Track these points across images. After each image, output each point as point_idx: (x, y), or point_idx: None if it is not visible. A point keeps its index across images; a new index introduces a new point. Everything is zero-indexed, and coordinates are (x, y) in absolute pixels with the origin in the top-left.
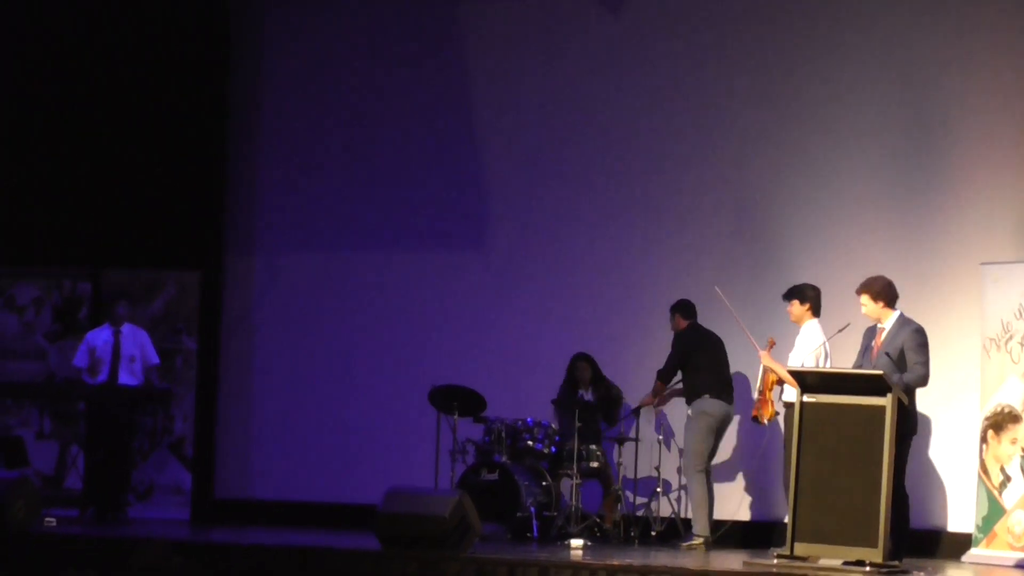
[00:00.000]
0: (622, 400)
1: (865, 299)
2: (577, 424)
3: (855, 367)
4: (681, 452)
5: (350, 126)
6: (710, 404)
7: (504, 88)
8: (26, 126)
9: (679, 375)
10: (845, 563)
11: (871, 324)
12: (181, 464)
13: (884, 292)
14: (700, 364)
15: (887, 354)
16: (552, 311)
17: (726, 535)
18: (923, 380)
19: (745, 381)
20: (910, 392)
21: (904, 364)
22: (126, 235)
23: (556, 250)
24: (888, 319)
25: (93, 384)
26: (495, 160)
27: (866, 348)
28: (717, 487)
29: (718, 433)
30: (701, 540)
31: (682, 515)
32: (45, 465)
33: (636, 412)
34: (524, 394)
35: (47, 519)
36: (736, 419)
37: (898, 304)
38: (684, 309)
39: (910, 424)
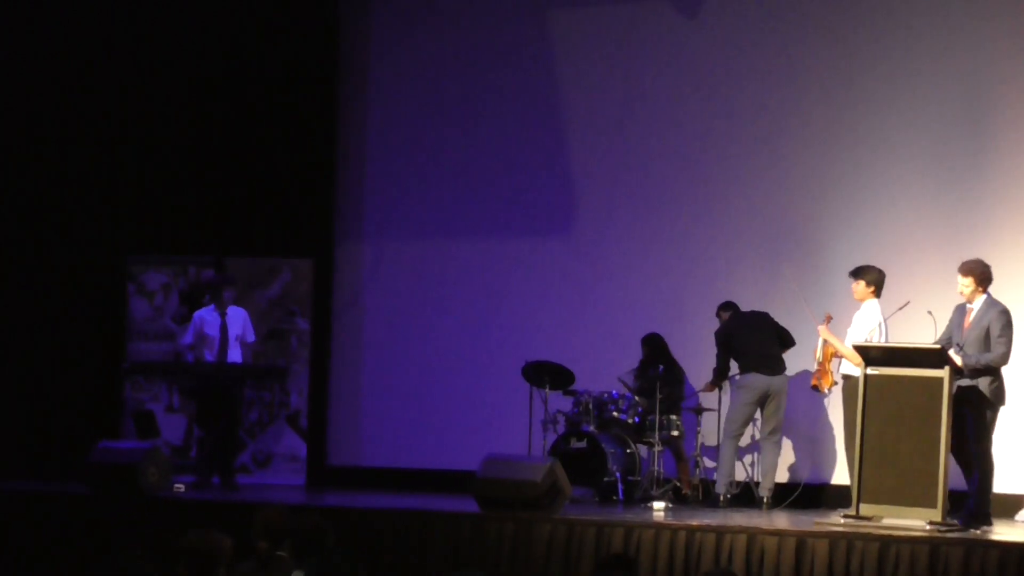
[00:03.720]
0: (683, 381)
1: (968, 281)
2: (658, 396)
3: (943, 340)
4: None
5: (450, 122)
6: (748, 379)
7: (589, 85)
8: (155, 126)
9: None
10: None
11: (960, 303)
12: (297, 434)
13: (984, 275)
14: (739, 347)
15: (976, 331)
16: (633, 293)
17: (788, 497)
18: (1004, 358)
19: (808, 353)
20: (992, 370)
21: (989, 342)
22: (246, 225)
23: (636, 236)
24: (978, 300)
25: (212, 362)
26: (580, 155)
27: (958, 325)
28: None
29: (762, 402)
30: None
31: (755, 479)
32: (174, 436)
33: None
34: (609, 368)
35: (176, 485)
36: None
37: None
38: (723, 307)
39: (1001, 396)
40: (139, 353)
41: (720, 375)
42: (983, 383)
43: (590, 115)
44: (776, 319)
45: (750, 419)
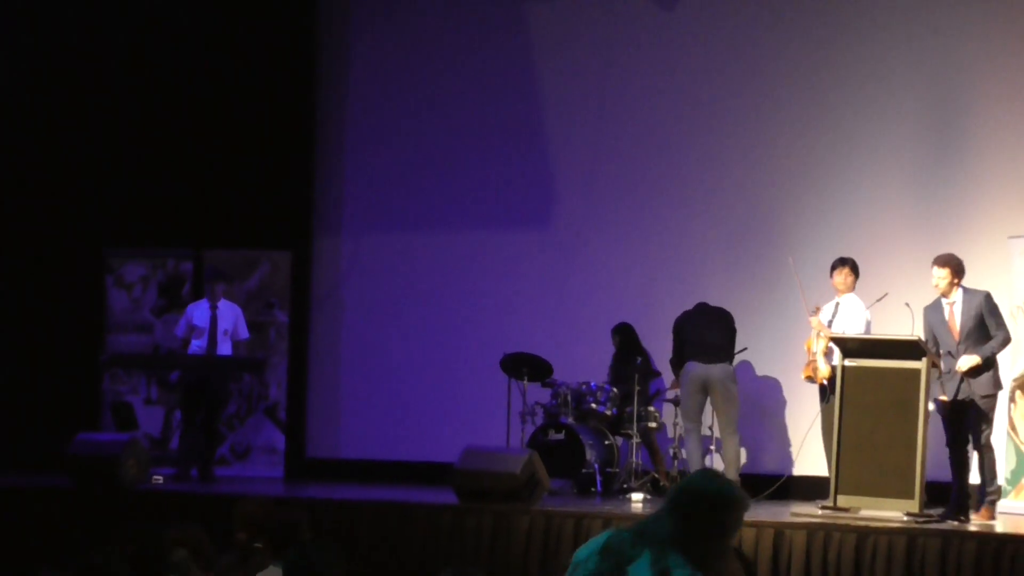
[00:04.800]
0: (652, 371)
1: (945, 273)
2: (636, 388)
3: (928, 344)
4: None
5: (429, 114)
6: (686, 367)
7: (567, 76)
8: (133, 117)
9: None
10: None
11: (929, 303)
12: (275, 426)
13: (959, 267)
14: (683, 336)
15: (971, 323)
16: (612, 284)
17: (767, 488)
18: (1008, 340)
19: (791, 346)
20: (992, 360)
21: (984, 330)
22: (225, 217)
23: (613, 228)
24: (955, 293)
25: (191, 354)
26: (558, 147)
27: (940, 324)
28: (758, 443)
29: (705, 392)
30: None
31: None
32: (153, 428)
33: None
34: (586, 360)
35: (155, 477)
36: (780, 379)
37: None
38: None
39: (999, 382)
40: (118, 345)
41: (673, 365)
42: (984, 380)
43: (568, 106)
44: (750, 310)
45: (699, 408)
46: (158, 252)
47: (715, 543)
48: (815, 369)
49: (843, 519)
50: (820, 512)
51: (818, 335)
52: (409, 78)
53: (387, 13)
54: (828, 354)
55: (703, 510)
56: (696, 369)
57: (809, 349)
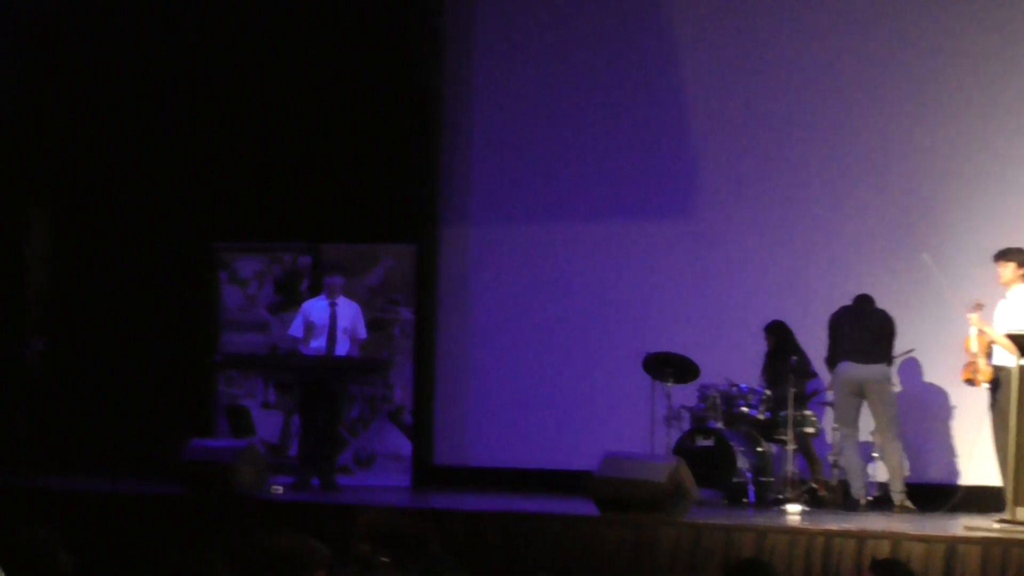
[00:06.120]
0: (809, 372)
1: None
2: (792, 390)
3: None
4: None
5: (563, 95)
6: (838, 368)
7: (712, 55)
8: (248, 105)
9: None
10: None
11: None
12: (401, 432)
13: None
14: (836, 335)
15: None
16: (761, 277)
17: (936, 499)
18: None
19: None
20: None
21: None
22: (343, 209)
23: (762, 216)
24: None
25: (309, 354)
26: (702, 131)
27: None
28: (923, 451)
29: (860, 394)
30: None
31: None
32: (270, 434)
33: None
34: (736, 360)
35: (273, 487)
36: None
37: None
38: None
39: None
40: (232, 345)
41: (829, 365)
42: None
43: (712, 88)
44: (909, 308)
45: (854, 412)
46: (274, 246)
47: None
48: (976, 371)
49: (1022, 534)
50: (996, 526)
51: (980, 333)
52: (541, 57)
53: None
54: (989, 354)
55: None
56: (849, 370)
57: (968, 349)
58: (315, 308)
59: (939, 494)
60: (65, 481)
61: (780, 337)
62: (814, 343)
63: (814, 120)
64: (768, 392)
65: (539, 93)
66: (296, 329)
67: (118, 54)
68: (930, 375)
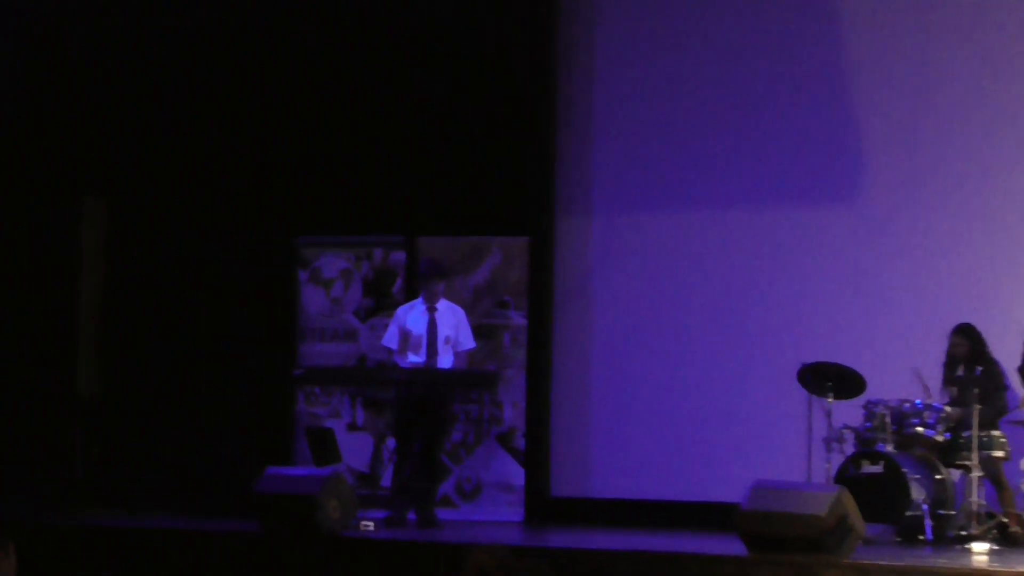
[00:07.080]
0: (1006, 387)
1: None
2: (977, 406)
3: None
4: None
5: (698, 66)
6: None
7: (878, 17)
8: (332, 80)
9: None
10: None
11: None
12: (511, 457)
13: None
14: None
15: None
16: (936, 274)
17: None
18: None
19: None
20: None
21: None
22: (443, 197)
23: (940, 206)
24: None
25: (406, 367)
26: (867, 103)
27: None
28: None
29: None
30: None
31: None
32: (358, 461)
33: None
34: (908, 372)
35: (363, 522)
36: None
37: None
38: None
39: None
40: (314, 357)
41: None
42: None
43: (879, 53)
44: None
45: None
46: (363, 240)
47: None
48: None
49: None
50: None
51: None
52: (674, 21)
53: None
54: None
55: None
56: None
57: None
58: (412, 314)
59: None
60: (125, 518)
61: (975, 341)
62: (1001, 354)
63: (999, 106)
64: (948, 409)
65: (671, 60)
66: (390, 339)
67: (191, 29)
68: None
